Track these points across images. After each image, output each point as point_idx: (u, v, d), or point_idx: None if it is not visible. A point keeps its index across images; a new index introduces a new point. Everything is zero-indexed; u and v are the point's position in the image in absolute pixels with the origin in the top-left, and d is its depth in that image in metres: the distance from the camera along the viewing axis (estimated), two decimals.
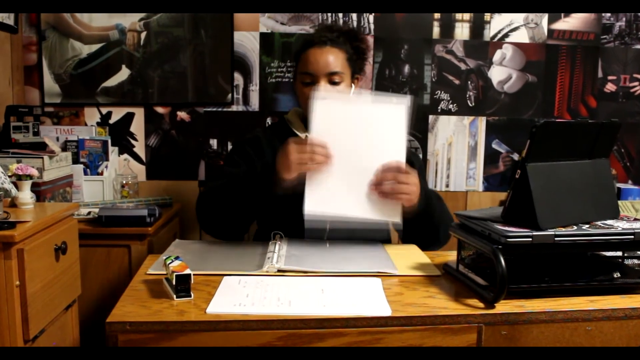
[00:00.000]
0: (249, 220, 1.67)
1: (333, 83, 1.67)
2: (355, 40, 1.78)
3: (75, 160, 2.43)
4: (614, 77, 2.80)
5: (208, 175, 2.71)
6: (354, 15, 2.67)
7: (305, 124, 1.78)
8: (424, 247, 1.60)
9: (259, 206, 1.58)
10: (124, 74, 2.63)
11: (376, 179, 1.42)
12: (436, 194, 1.71)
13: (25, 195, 1.72)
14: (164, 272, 1.24)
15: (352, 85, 1.74)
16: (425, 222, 1.58)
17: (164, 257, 1.22)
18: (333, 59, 1.67)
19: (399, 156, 1.44)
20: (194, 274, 1.22)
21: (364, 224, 1.45)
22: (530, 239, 1.12)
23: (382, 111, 1.47)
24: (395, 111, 1.45)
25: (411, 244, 1.62)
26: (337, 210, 1.42)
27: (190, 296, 1.14)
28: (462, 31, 2.73)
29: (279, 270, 1.31)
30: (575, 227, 1.18)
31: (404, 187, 1.42)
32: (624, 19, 2.75)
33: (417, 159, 1.83)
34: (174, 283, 1.13)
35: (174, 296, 1.13)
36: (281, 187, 1.46)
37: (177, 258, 1.20)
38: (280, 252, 1.42)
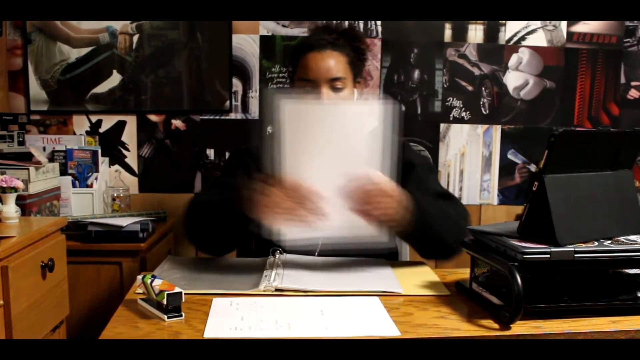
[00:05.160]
0: (244, 235, 1.65)
1: (335, 89, 1.65)
2: (355, 40, 1.75)
3: (63, 172, 2.44)
4: (638, 83, 2.81)
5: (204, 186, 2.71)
6: None
7: None
8: (435, 257, 1.60)
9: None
10: (115, 79, 2.65)
11: (345, 195, 1.36)
12: (444, 195, 1.63)
13: (10, 209, 1.73)
14: (140, 291, 1.25)
15: (355, 90, 1.74)
16: (422, 234, 1.49)
17: (141, 276, 1.22)
18: (334, 63, 1.65)
19: (373, 163, 1.38)
20: (188, 293, 1.22)
21: (357, 239, 1.43)
22: (549, 256, 1.12)
23: (356, 112, 1.42)
24: (370, 111, 1.40)
25: (420, 263, 1.62)
26: (318, 233, 1.41)
27: (181, 316, 1.15)
28: (475, 34, 2.74)
29: (276, 290, 1.31)
30: (596, 243, 1.18)
31: (375, 205, 1.35)
32: None
33: (420, 159, 1.76)
34: (164, 303, 1.13)
35: (165, 317, 1.14)
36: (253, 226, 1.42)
37: (154, 276, 1.20)
38: (277, 270, 1.42)
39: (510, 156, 2.82)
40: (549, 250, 1.12)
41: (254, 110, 2.70)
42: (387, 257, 1.62)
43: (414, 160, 1.68)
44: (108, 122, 2.69)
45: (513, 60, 2.77)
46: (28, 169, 2.04)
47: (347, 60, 1.69)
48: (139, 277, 1.23)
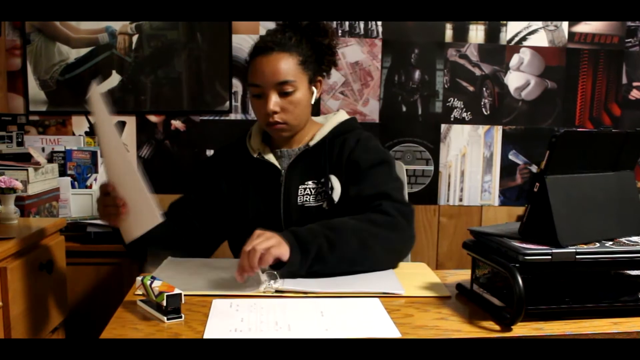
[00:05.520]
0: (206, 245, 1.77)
1: (284, 94, 1.61)
2: (318, 35, 1.70)
3: (62, 173, 2.45)
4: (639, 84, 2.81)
5: None
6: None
7: (264, 139, 1.77)
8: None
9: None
10: (114, 80, 2.65)
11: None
12: (378, 195, 1.55)
13: (9, 210, 1.74)
14: (140, 293, 1.25)
15: (314, 89, 1.69)
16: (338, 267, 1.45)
17: (140, 278, 1.22)
18: (281, 66, 1.60)
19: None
20: (188, 294, 1.22)
21: None
22: (550, 257, 1.12)
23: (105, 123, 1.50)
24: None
25: (420, 264, 1.62)
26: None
27: (181, 317, 1.15)
28: (476, 34, 2.74)
29: (276, 291, 1.31)
30: (597, 244, 1.18)
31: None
32: None
33: (366, 155, 1.66)
34: (164, 304, 1.13)
35: (164, 318, 1.14)
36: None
37: (153, 278, 1.20)
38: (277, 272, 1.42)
39: (511, 157, 2.82)
40: (550, 251, 1.12)
41: None
42: None
43: (359, 158, 1.63)
44: None
45: (514, 60, 2.77)
46: (27, 169, 2.04)
47: (298, 61, 1.63)
48: (139, 278, 1.23)
